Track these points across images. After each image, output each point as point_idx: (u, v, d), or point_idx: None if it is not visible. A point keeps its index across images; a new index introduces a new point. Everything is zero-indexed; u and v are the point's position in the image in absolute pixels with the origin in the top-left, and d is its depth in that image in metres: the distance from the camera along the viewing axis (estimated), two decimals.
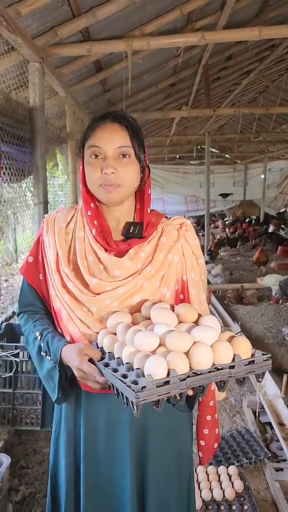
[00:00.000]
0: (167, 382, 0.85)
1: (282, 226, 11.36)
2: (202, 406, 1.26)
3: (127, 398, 0.86)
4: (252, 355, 0.96)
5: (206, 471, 2.22)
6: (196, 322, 1.03)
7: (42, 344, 1.14)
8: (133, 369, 0.90)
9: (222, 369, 0.92)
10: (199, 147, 11.56)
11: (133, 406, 0.84)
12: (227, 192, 13.01)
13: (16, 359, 2.05)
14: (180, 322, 1.02)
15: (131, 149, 1.10)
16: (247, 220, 12.79)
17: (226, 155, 13.72)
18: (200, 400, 1.25)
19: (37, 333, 1.16)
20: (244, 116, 9.52)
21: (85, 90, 4.33)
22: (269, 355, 0.97)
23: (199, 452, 1.29)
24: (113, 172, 1.07)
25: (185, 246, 1.18)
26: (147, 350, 0.92)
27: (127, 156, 1.10)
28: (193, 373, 0.89)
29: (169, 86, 5.91)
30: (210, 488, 2.11)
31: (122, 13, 3.05)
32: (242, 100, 9.30)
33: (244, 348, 0.95)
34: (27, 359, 2.07)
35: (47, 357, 1.12)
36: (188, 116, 6.82)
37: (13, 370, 2.06)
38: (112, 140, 1.08)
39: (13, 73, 2.77)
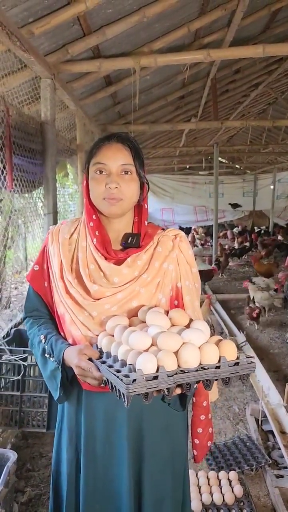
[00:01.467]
0: (156, 377, 0.94)
1: None
2: (196, 406, 1.35)
3: (119, 391, 0.95)
4: (237, 358, 1.04)
5: (207, 476, 2.27)
6: (188, 326, 1.12)
7: (46, 346, 1.23)
8: (126, 365, 0.99)
9: (208, 369, 0.99)
10: (208, 157, 11.64)
11: (124, 398, 0.92)
12: (236, 202, 13.04)
13: (24, 363, 2.13)
14: (172, 325, 1.12)
15: (133, 167, 1.22)
16: (256, 230, 12.80)
17: (236, 166, 13.79)
18: (194, 401, 1.33)
19: (42, 336, 1.26)
20: (253, 128, 9.59)
21: (95, 103, 4.46)
22: (253, 358, 1.05)
23: (194, 450, 1.38)
24: (116, 187, 1.19)
25: (179, 256, 1.28)
26: (140, 348, 1.01)
27: (129, 173, 1.21)
28: (181, 370, 0.98)
29: (178, 99, 6.02)
30: (211, 492, 2.16)
31: (131, 30, 3.17)
32: (251, 112, 9.39)
33: (230, 350, 1.03)
34: (35, 363, 2.15)
35: (51, 358, 1.22)
36: (196, 128, 6.92)
37: (21, 374, 2.14)
38: (116, 158, 1.20)
39: (26, 89, 2.89)
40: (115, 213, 1.23)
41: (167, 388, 0.95)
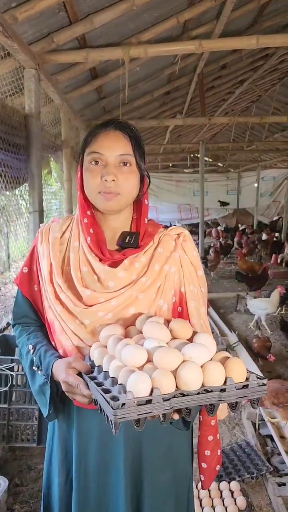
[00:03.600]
0: (149, 401, 0.80)
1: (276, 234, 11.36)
2: (204, 426, 1.21)
3: (107, 415, 0.82)
4: (247, 379, 0.89)
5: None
6: (191, 340, 0.98)
7: (34, 358, 1.10)
8: (117, 384, 0.85)
9: (211, 391, 0.85)
10: (192, 155, 11.59)
11: (111, 424, 0.79)
12: (221, 200, 13.04)
13: (11, 372, 1.97)
14: (173, 338, 0.98)
15: (132, 158, 1.08)
16: (240, 229, 12.81)
17: (219, 164, 13.78)
18: (201, 419, 1.20)
19: (30, 346, 1.12)
20: (237, 125, 9.56)
21: (81, 97, 4.31)
22: (265, 380, 0.90)
23: (201, 475, 1.23)
24: (113, 180, 1.05)
25: (183, 257, 1.14)
26: (134, 365, 0.87)
27: (128, 164, 1.07)
28: (180, 393, 0.84)
29: (164, 95, 5.92)
30: (212, 505, 2.05)
31: (119, 20, 3.04)
32: (235, 109, 9.36)
33: (238, 370, 0.89)
34: (23, 373, 2.00)
35: (39, 371, 1.09)
36: (183, 124, 6.83)
37: (9, 385, 1.98)
38: (114, 147, 1.06)
39: (9, 79, 2.73)
40: (112, 209, 1.09)
41: (162, 414, 0.82)
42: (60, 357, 1.06)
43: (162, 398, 0.81)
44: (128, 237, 1.13)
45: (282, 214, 12.55)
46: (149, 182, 1.17)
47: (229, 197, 13.27)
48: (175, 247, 1.14)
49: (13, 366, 2.01)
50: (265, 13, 4.28)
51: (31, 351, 1.11)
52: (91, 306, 1.06)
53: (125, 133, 1.08)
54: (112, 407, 0.77)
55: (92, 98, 4.66)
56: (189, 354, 0.88)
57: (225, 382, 0.86)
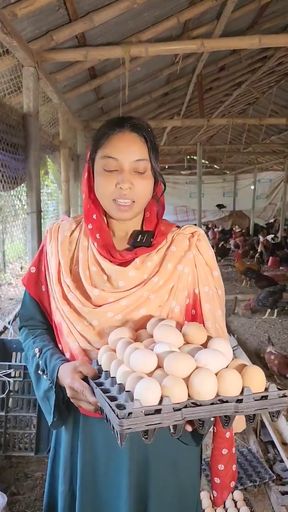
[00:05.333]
0: (158, 411, 0.74)
1: (272, 236, 11.33)
2: (218, 438, 1.14)
3: (112, 425, 0.76)
4: (266, 389, 0.82)
5: (210, 497, 2.10)
6: (205, 345, 0.92)
7: (40, 362, 1.05)
8: (124, 391, 0.79)
9: (227, 402, 0.79)
10: (189, 157, 11.56)
11: (116, 435, 0.72)
12: (219, 202, 13.03)
13: (9, 379, 1.91)
14: (186, 343, 0.92)
15: (148, 163, 1.03)
16: (237, 231, 12.78)
17: (215, 166, 13.77)
18: (215, 430, 1.14)
19: (37, 350, 1.07)
20: (233, 127, 9.54)
21: (78, 97, 4.26)
22: (286, 391, 0.83)
23: (213, 491, 1.18)
24: (129, 188, 1.00)
25: (197, 257, 1.09)
26: (143, 371, 0.82)
27: (144, 170, 1.02)
28: (192, 403, 0.77)
29: (162, 96, 5.88)
30: None
31: (119, 19, 2.99)
32: (232, 111, 9.35)
33: (257, 380, 0.82)
34: (21, 379, 1.93)
35: (44, 376, 1.03)
36: (181, 125, 6.79)
37: (6, 392, 1.92)
38: (130, 152, 1.00)
39: (7, 77, 2.67)
40: (126, 219, 1.05)
41: (173, 425, 0.76)
42: (67, 361, 1.01)
43: (173, 408, 0.75)
44: (140, 235, 1.09)
45: (278, 216, 12.54)
46: (165, 187, 1.12)
47: (226, 199, 13.25)
48: (189, 247, 1.09)
49: (10, 372, 1.94)
50: (265, 14, 4.25)
51: (37, 355, 1.06)
52: (100, 306, 1.02)
53: (141, 135, 1.02)
54: (117, 416, 0.71)
55: (90, 98, 4.61)
56: (203, 361, 0.82)
57: (242, 392, 0.80)
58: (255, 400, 0.80)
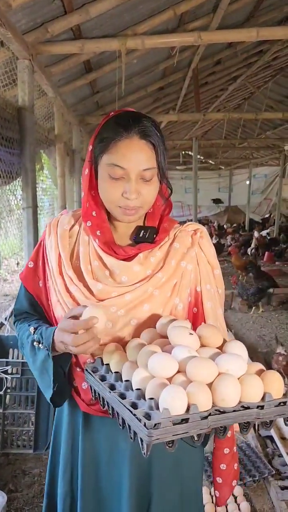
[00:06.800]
0: (185, 420, 0.72)
1: (267, 232, 11.35)
2: None
3: (135, 433, 0.73)
4: (284, 395, 0.81)
5: (210, 493, 2.09)
6: (220, 348, 0.90)
7: (35, 336, 1.01)
8: (144, 398, 0.77)
9: (248, 408, 0.77)
10: (184, 152, 11.54)
11: (142, 445, 0.70)
12: (214, 197, 13.02)
13: (6, 376, 1.89)
14: (201, 346, 0.89)
15: (155, 170, 0.99)
16: (231, 226, 12.80)
17: (210, 161, 13.75)
18: None
19: (32, 328, 1.03)
20: (229, 122, 9.52)
21: (74, 91, 4.21)
22: None
23: (216, 491, 1.16)
24: (136, 198, 0.97)
25: (199, 254, 1.07)
26: (164, 376, 0.79)
27: (151, 179, 0.99)
28: (216, 410, 0.75)
29: (157, 90, 5.85)
30: None
31: (115, 11, 2.95)
32: (227, 106, 9.32)
33: (277, 385, 0.80)
34: (18, 375, 1.91)
35: (40, 346, 0.99)
36: (177, 120, 6.76)
37: (4, 388, 1.89)
38: (138, 162, 0.96)
39: (2, 70, 2.63)
40: (131, 221, 1.04)
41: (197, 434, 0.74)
42: None
43: (200, 417, 0.73)
44: (142, 231, 1.07)
45: (274, 211, 12.55)
46: (171, 190, 1.09)
47: (221, 195, 13.27)
48: (192, 244, 1.08)
49: (7, 369, 1.92)
50: (261, 7, 4.22)
51: (32, 332, 1.02)
52: (103, 300, 0.99)
53: (149, 143, 0.97)
54: (146, 426, 0.69)
55: (86, 92, 4.57)
56: (225, 366, 0.80)
57: (262, 398, 0.78)
58: (275, 406, 0.79)
